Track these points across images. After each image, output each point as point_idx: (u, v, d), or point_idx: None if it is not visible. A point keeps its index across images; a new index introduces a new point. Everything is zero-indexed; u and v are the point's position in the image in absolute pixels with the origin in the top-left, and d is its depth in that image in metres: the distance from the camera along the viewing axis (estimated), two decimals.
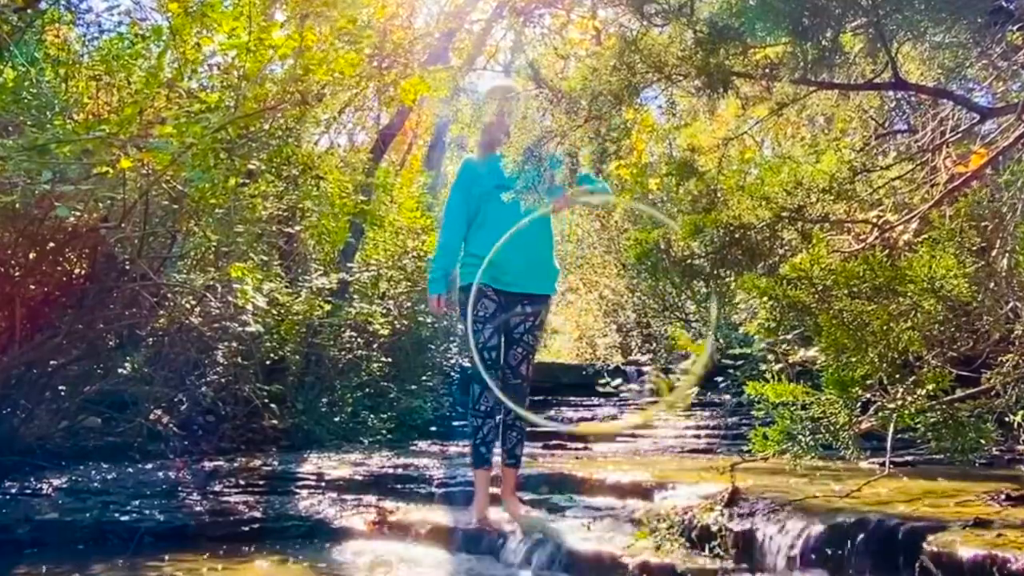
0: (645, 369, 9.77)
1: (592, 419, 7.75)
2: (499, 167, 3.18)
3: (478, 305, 3.65)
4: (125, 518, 3.78)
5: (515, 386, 3.69)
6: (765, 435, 2.90)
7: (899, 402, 2.87)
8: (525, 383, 3.75)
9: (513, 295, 3.72)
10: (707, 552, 2.93)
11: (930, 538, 2.28)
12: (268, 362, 6.14)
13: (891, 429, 2.99)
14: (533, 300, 3.74)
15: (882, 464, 3.44)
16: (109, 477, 4.31)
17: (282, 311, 5.84)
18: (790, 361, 5.37)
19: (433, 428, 7.78)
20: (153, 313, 5.16)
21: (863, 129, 3.58)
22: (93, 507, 3.84)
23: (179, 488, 4.22)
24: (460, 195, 3.82)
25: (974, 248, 2.78)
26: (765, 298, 2.88)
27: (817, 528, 2.63)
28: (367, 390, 7.45)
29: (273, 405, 6.06)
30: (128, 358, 5.24)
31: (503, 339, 3.72)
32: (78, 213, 4.34)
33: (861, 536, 2.51)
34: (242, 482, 4.43)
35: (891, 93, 3.45)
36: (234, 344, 5.66)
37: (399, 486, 4.41)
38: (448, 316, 8.72)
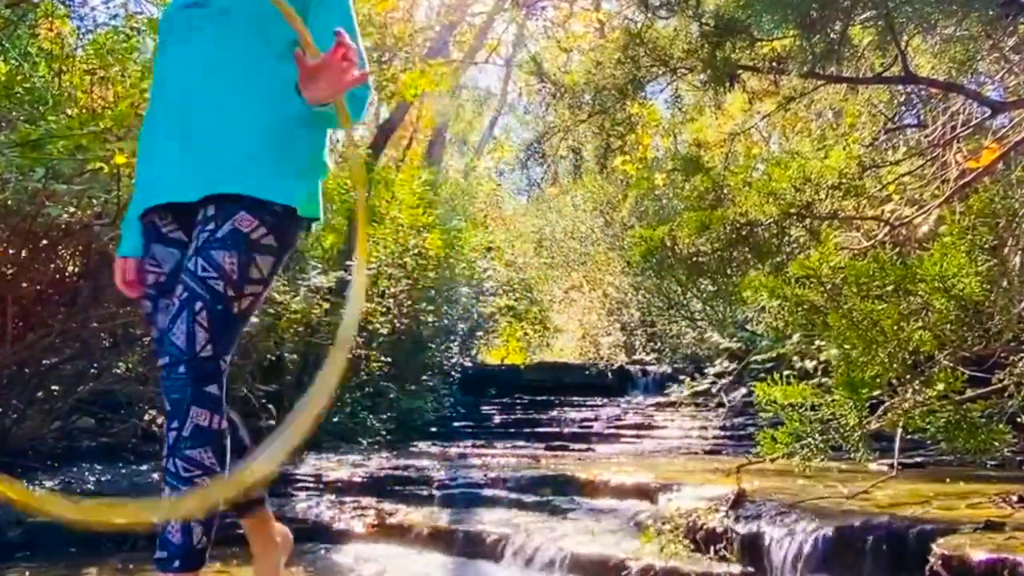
0: (650, 369, 9.75)
1: (595, 419, 7.71)
2: None
3: (148, 255, 1.99)
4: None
5: (167, 370, 1.81)
6: (773, 437, 2.85)
7: (910, 402, 2.82)
8: (187, 361, 1.79)
9: (189, 209, 1.91)
10: (712, 555, 2.88)
11: (940, 541, 2.25)
12: (265, 362, 6.08)
13: (901, 430, 2.94)
14: (221, 204, 1.87)
15: (891, 466, 3.39)
16: (103, 479, 4.26)
17: (279, 309, 5.79)
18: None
19: (433, 429, 7.74)
20: None
21: (872, 124, 3.53)
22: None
23: None
24: (158, 49, 2.12)
25: (986, 246, 2.72)
26: (773, 297, 2.82)
27: (825, 531, 2.58)
28: (366, 390, 7.40)
29: (270, 406, 6.00)
30: (122, 358, 5.18)
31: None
32: (72, 210, 4.28)
33: (870, 539, 2.47)
34: None
35: (901, 87, 3.40)
36: None
37: (398, 488, 4.36)
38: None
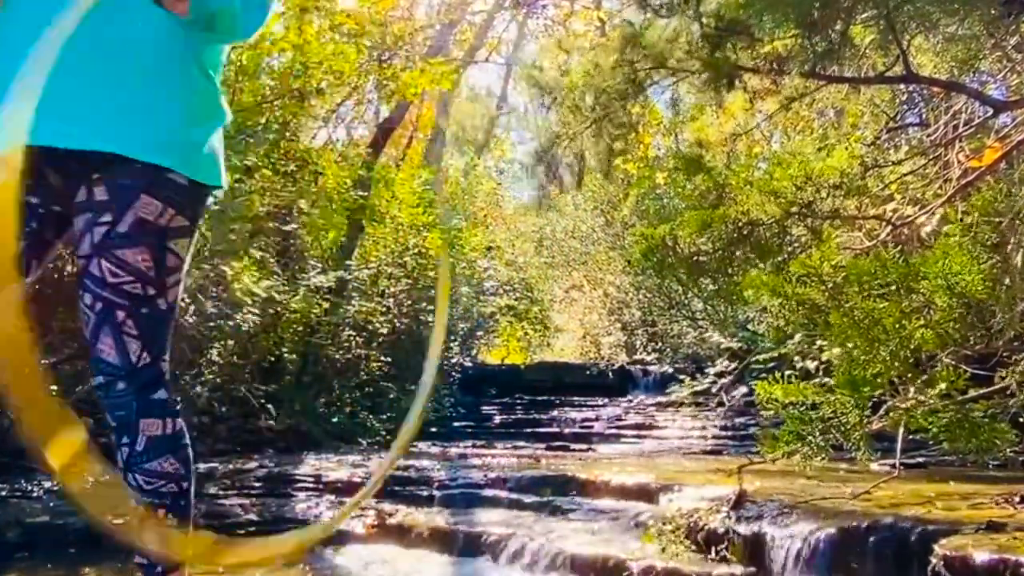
0: (651, 368, 9.74)
1: (596, 419, 7.70)
2: None
3: None
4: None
5: (105, 389, 1.61)
6: (775, 436, 2.83)
7: (912, 402, 2.80)
8: (125, 376, 1.59)
9: (58, 157, 1.54)
10: (714, 555, 2.87)
11: (943, 541, 2.23)
12: (265, 362, 6.07)
13: (903, 430, 2.93)
14: (110, 171, 1.56)
15: (893, 466, 3.38)
16: (101, 479, 4.23)
17: (279, 309, 5.78)
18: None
19: (433, 429, 7.72)
20: None
21: (874, 123, 3.52)
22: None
23: None
24: None
25: (989, 244, 2.71)
26: (774, 296, 2.81)
27: (827, 531, 2.58)
28: (366, 390, 7.39)
29: (270, 405, 5.99)
30: None
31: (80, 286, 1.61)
32: None
33: (872, 539, 2.47)
34: (238, 484, 4.36)
35: (903, 86, 3.39)
36: (230, 343, 5.59)
37: (398, 488, 4.34)
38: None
